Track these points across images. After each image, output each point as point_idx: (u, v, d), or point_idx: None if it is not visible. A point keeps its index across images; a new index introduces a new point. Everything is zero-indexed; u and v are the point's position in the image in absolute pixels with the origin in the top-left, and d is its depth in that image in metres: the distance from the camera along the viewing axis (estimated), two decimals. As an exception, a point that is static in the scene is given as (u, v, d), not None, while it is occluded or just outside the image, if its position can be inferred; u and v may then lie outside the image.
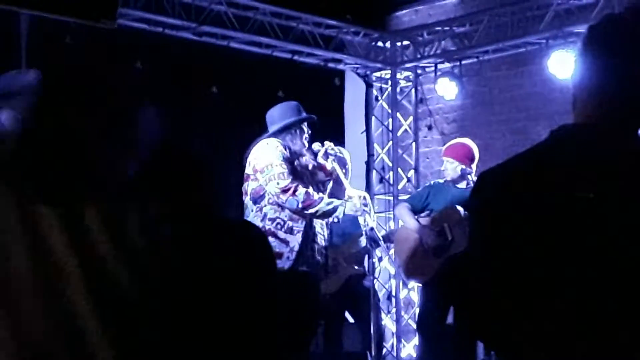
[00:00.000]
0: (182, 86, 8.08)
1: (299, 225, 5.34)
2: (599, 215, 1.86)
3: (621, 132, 1.95)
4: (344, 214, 5.38)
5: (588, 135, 1.96)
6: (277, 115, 5.61)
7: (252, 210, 5.45)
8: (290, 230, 5.35)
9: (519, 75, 9.01)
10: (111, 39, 7.32)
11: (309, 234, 5.40)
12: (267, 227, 5.31)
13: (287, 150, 5.42)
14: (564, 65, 7.71)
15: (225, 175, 7.96)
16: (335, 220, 5.43)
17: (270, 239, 5.27)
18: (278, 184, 5.27)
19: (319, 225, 5.48)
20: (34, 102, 5.25)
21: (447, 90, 9.01)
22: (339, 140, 8.39)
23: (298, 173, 5.45)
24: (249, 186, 5.46)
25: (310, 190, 5.35)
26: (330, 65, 9.25)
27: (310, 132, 5.61)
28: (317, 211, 5.30)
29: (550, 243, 1.89)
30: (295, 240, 5.32)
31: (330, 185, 5.73)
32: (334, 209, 5.33)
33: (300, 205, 5.26)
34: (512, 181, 1.99)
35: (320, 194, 5.38)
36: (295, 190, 5.25)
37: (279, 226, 5.35)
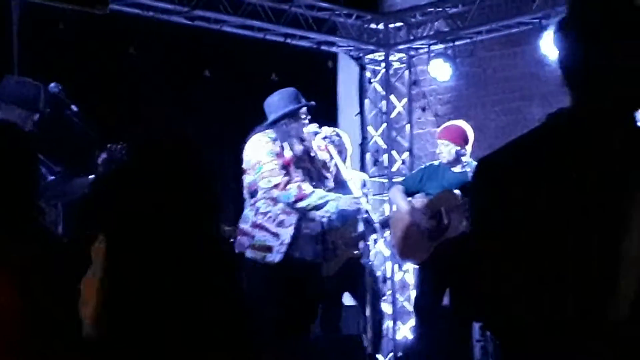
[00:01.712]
0: (175, 70, 8.07)
1: (291, 219, 5.41)
2: (596, 195, 1.87)
3: (618, 112, 1.95)
4: (336, 208, 5.41)
5: (585, 117, 1.96)
6: (275, 103, 5.63)
7: (248, 203, 5.53)
8: (281, 224, 5.41)
9: (513, 55, 9.00)
10: (104, 25, 7.30)
11: (301, 226, 5.44)
12: (258, 221, 5.42)
13: (279, 142, 5.45)
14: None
15: (220, 159, 7.97)
16: (327, 214, 5.45)
17: (262, 232, 5.37)
18: (269, 181, 5.37)
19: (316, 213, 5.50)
20: (33, 114, 5.29)
21: (440, 71, 9.01)
22: (333, 123, 8.39)
23: (298, 160, 5.49)
24: (245, 180, 5.53)
25: (304, 184, 5.38)
26: (323, 47, 9.24)
27: (309, 117, 5.63)
28: (307, 205, 5.37)
29: (549, 226, 1.90)
30: (287, 233, 5.40)
31: (340, 166, 5.74)
32: (325, 203, 5.38)
33: (292, 199, 5.33)
34: (510, 166, 2.00)
35: (313, 188, 5.40)
36: (286, 185, 5.33)
37: (270, 220, 5.42)
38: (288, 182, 5.36)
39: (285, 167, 5.41)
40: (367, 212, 5.60)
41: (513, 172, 1.98)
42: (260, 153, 5.42)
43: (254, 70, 8.61)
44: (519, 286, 1.92)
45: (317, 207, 5.38)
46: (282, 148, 5.46)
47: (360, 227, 7.11)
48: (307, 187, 5.38)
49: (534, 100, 8.47)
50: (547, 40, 7.88)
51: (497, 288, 1.96)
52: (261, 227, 5.42)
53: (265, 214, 5.44)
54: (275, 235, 5.40)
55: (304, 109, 5.61)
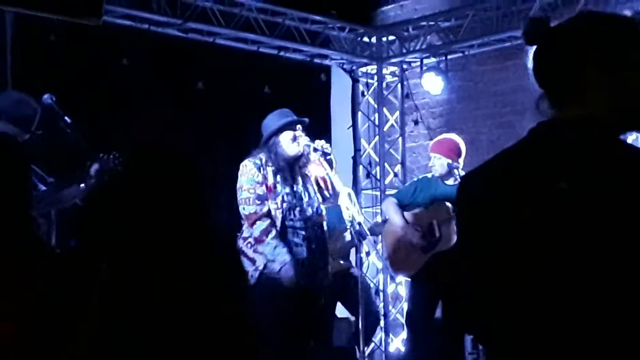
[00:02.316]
0: (168, 83, 8.07)
1: (262, 248, 5.46)
2: (578, 208, 1.88)
3: (597, 125, 1.97)
4: (279, 270, 5.42)
5: (566, 130, 1.98)
6: (268, 124, 5.68)
7: None
8: (257, 250, 5.46)
9: (504, 69, 9.03)
10: (96, 36, 7.30)
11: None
12: (240, 246, 5.49)
13: (262, 169, 5.49)
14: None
15: (213, 171, 7.96)
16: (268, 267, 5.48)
17: (241, 257, 5.42)
18: (244, 208, 5.44)
19: (295, 236, 5.51)
20: (24, 134, 5.30)
21: (433, 85, 9.03)
22: (326, 136, 8.40)
23: (285, 182, 5.51)
24: None
25: (271, 232, 5.45)
26: (317, 60, 9.25)
27: (302, 133, 5.62)
28: (262, 251, 5.45)
29: (533, 237, 1.91)
30: (261, 260, 5.45)
31: (334, 179, 5.74)
32: (272, 260, 5.43)
33: (253, 239, 5.40)
34: (494, 178, 2.02)
35: (272, 240, 5.44)
36: (255, 222, 5.40)
37: (249, 245, 5.50)
38: (258, 219, 5.42)
39: (261, 196, 5.45)
40: (359, 224, 5.60)
41: (497, 185, 1.99)
42: (243, 179, 5.54)
43: (247, 82, 8.62)
44: (504, 297, 1.93)
45: (266, 257, 5.44)
46: (266, 174, 5.49)
47: (347, 238, 7.12)
48: (269, 235, 5.44)
49: (526, 114, 8.38)
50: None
51: (482, 300, 1.96)
52: (241, 252, 5.50)
53: (245, 238, 5.54)
54: (252, 260, 5.48)
55: (297, 125, 5.60)
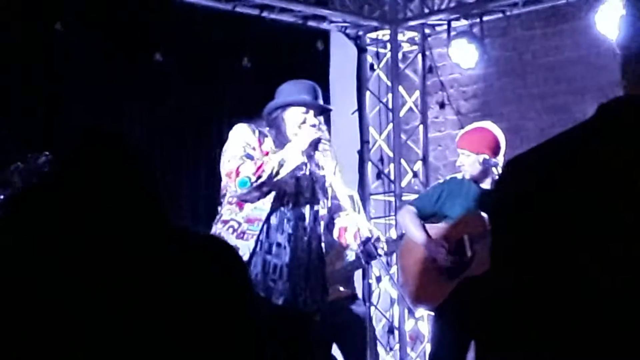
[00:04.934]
0: (116, 53, 8.07)
1: (254, 229, 5.45)
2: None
3: None
4: (294, 161, 5.42)
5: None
6: (282, 91, 5.72)
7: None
8: (242, 235, 5.47)
9: (558, 35, 9.05)
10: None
11: (263, 243, 5.52)
12: (217, 232, 5.48)
13: (260, 135, 5.52)
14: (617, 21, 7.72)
15: (175, 163, 7.97)
16: (298, 171, 5.49)
17: None
18: (228, 162, 5.44)
19: (279, 230, 5.52)
20: None
21: (464, 55, 9.04)
22: (324, 121, 8.41)
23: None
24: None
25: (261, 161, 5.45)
26: (311, 24, 9.26)
27: (319, 123, 5.65)
28: (272, 171, 5.38)
29: (600, 254, 1.89)
30: (247, 247, 5.46)
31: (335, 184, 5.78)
32: (283, 161, 5.40)
33: (253, 179, 5.38)
34: (547, 172, 1.98)
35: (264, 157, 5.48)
36: (238, 169, 5.39)
37: (231, 229, 5.53)
38: (240, 165, 5.42)
39: (251, 156, 5.46)
40: (367, 240, 5.58)
41: (551, 178, 1.96)
42: (230, 141, 5.58)
43: (221, 53, 8.63)
44: (560, 339, 1.91)
45: (281, 165, 5.39)
46: (262, 140, 5.53)
47: (350, 257, 7.13)
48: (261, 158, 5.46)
49: (587, 94, 8.51)
50: (604, 15, 7.90)
51: (529, 340, 1.95)
52: None
53: (226, 222, 5.55)
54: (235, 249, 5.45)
55: (309, 111, 5.62)
